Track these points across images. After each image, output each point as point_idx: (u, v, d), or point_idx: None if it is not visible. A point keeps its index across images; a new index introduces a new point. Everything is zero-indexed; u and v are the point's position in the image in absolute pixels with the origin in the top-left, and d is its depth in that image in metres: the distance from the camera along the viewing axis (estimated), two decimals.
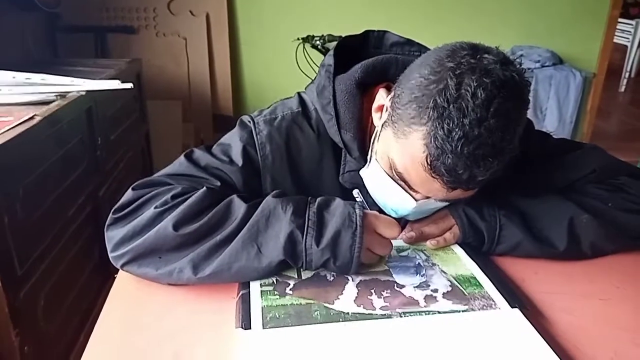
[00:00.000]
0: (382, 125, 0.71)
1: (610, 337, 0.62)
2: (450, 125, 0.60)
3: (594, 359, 0.58)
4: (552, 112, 2.93)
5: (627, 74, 5.10)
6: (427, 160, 0.63)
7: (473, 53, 0.62)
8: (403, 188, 0.70)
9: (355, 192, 0.79)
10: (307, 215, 0.67)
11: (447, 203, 0.73)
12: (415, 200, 0.70)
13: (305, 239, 0.65)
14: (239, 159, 0.77)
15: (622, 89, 5.03)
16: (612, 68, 3.33)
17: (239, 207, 0.68)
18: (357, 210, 0.67)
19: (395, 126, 0.67)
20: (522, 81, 0.62)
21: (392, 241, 0.71)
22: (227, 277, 0.66)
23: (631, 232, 0.78)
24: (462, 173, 0.62)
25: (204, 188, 0.70)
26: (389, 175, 0.71)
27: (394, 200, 0.72)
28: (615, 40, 3.27)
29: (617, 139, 3.60)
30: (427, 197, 0.70)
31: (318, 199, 0.70)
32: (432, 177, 0.64)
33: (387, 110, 0.71)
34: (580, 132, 3.13)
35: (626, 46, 5.11)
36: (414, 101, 0.64)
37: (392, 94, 0.70)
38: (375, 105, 0.75)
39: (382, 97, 0.74)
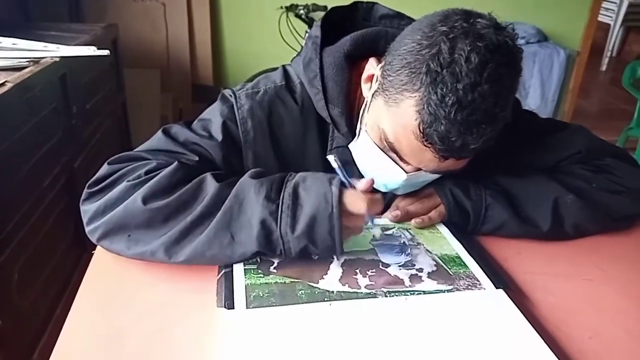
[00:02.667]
0: (373, 95, 0.69)
1: (590, 317, 0.63)
2: (444, 90, 0.58)
3: (574, 339, 0.59)
4: (535, 90, 2.95)
5: (609, 53, 5.13)
6: (419, 128, 0.61)
7: (466, 17, 0.61)
8: (394, 160, 0.69)
9: (330, 158, 0.66)
10: (281, 198, 0.62)
11: (437, 176, 0.72)
12: (406, 172, 0.68)
13: (280, 225, 0.61)
14: (218, 134, 0.75)
15: (604, 67, 5.07)
16: (594, 46, 3.34)
17: (210, 185, 0.65)
18: (334, 188, 0.61)
19: (386, 94, 0.65)
20: (514, 47, 0.61)
21: (376, 220, 0.70)
22: (202, 262, 0.64)
23: (613, 213, 0.79)
24: (455, 140, 0.60)
25: (176, 162, 0.67)
26: (379, 147, 0.69)
27: (384, 173, 0.71)
28: (598, 19, 3.27)
29: (597, 118, 3.65)
30: (418, 170, 0.68)
31: (297, 175, 0.65)
32: (425, 145, 0.62)
33: (377, 79, 0.69)
34: (561, 111, 3.15)
35: (609, 25, 5.13)
36: (406, 67, 0.62)
37: (383, 62, 0.68)
38: (365, 75, 0.73)
39: (372, 67, 0.72)
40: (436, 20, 0.62)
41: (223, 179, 0.66)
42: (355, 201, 0.62)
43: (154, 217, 0.63)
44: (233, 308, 0.58)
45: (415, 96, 0.61)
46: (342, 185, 0.63)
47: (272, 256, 0.66)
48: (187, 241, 0.63)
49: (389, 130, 0.65)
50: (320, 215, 0.61)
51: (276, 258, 0.67)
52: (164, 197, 0.64)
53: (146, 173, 0.67)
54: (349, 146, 0.76)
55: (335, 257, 0.67)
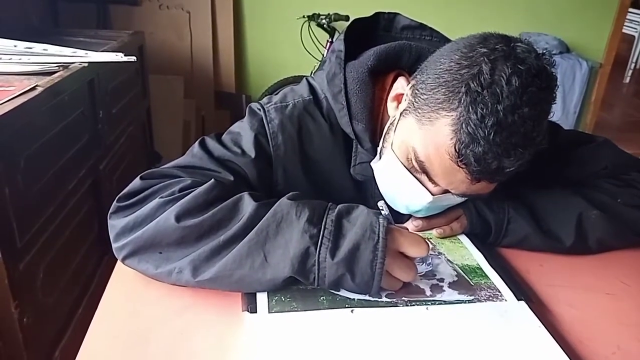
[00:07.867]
0: (401, 114, 0.69)
1: (614, 332, 0.62)
2: (484, 110, 0.58)
3: (597, 354, 0.58)
4: (557, 101, 2.91)
5: (633, 65, 5.06)
6: (455, 148, 0.60)
7: (506, 41, 0.61)
8: (420, 181, 0.68)
9: (381, 204, 0.69)
10: (323, 224, 0.60)
11: (461, 199, 0.70)
12: (432, 194, 0.67)
13: (319, 250, 0.59)
14: (251, 150, 0.73)
15: (627, 80, 5.00)
16: (617, 59, 3.29)
17: (248, 205, 0.62)
18: (381, 220, 0.60)
19: (418, 112, 0.64)
20: (552, 73, 0.62)
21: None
22: (227, 285, 0.61)
23: (638, 229, 0.78)
24: (491, 162, 0.59)
25: (212, 180, 0.65)
26: (405, 166, 0.68)
27: (408, 194, 0.70)
28: (622, 30, 3.23)
29: (619, 131, 3.60)
30: (445, 192, 0.67)
31: (339, 206, 0.63)
32: (458, 166, 0.61)
33: (407, 98, 0.68)
34: (583, 123, 3.12)
35: (633, 36, 5.06)
36: (443, 85, 0.61)
37: (414, 81, 0.68)
38: (392, 94, 0.73)
39: (401, 86, 0.72)
40: (475, 42, 0.62)
41: (260, 199, 0.64)
42: (416, 244, 0.62)
43: (186, 236, 0.61)
44: (255, 312, 0.59)
45: (453, 115, 0.60)
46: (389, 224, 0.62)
47: (304, 283, 0.62)
48: (217, 259, 0.60)
49: (420, 148, 0.64)
50: (365, 244, 0.59)
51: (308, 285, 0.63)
52: (199, 215, 0.61)
53: (180, 190, 0.64)
54: (371, 164, 0.75)
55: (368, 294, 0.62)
